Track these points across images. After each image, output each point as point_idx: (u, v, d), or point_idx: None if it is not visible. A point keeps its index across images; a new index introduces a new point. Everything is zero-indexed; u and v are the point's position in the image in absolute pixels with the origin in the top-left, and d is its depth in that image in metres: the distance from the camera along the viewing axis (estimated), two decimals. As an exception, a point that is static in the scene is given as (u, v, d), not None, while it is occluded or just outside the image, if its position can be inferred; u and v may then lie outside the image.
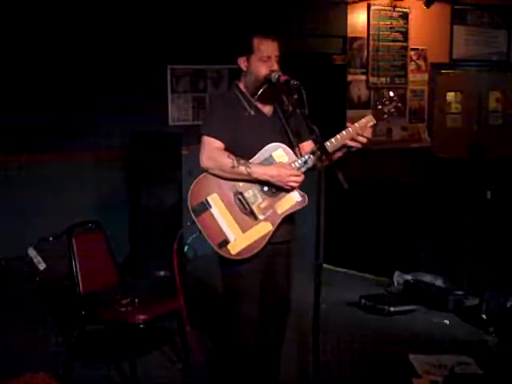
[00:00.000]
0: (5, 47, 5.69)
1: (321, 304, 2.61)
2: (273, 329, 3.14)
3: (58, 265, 5.10)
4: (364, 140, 2.89)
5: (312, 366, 2.65)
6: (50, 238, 5.27)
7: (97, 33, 5.97)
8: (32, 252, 5.23)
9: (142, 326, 3.44)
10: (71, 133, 6.00)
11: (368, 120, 2.91)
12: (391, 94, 3.00)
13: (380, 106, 2.97)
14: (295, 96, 2.77)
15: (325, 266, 2.59)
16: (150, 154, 5.98)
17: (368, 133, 2.90)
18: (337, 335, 4.23)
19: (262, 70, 2.91)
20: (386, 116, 2.96)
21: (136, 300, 3.62)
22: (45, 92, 5.91)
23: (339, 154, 2.95)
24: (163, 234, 5.98)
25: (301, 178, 2.86)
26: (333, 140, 2.88)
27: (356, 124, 2.90)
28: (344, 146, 2.91)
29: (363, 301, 4.98)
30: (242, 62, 2.99)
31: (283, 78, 2.85)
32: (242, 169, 2.83)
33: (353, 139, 2.89)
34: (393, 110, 2.96)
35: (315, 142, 2.69)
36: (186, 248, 2.93)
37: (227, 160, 2.84)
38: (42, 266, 5.22)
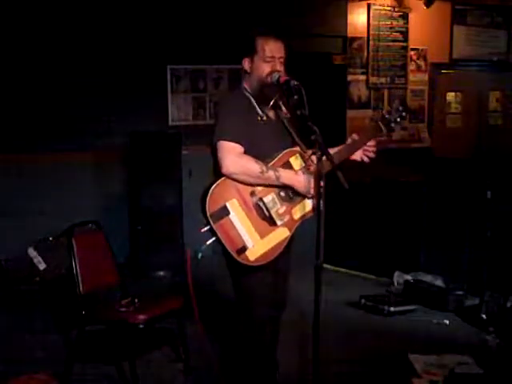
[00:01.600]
0: (5, 47, 5.69)
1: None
2: (270, 326, 3.13)
3: (58, 265, 5.10)
4: (372, 151, 3.14)
5: (312, 366, 2.65)
6: (50, 238, 5.27)
7: (97, 33, 5.97)
8: (32, 252, 5.22)
9: (141, 326, 3.44)
10: (71, 133, 6.00)
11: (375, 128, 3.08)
12: (400, 107, 3.14)
13: (387, 116, 3.09)
14: (295, 97, 2.77)
15: (325, 265, 2.59)
16: (149, 154, 5.99)
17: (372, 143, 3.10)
18: (337, 335, 4.23)
19: (265, 70, 2.91)
20: (392, 125, 3.10)
21: (136, 300, 3.61)
22: (44, 92, 5.91)
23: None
24: (163, 234, 5.99)
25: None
26: (345, 145, 3.05)
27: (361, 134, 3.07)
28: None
29: (363, 301, 4.98)
30: (246, 63, 2.97)
31: (283, 79, 2.85)
32: (271, 173, 2.82)
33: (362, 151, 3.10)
34: (398, 119, 3.10)
35: (315, 142, 2.69)
36: (199, 255, 2.89)
37: (255, 165, 2.80)
38: (41, 266, 5.22)
